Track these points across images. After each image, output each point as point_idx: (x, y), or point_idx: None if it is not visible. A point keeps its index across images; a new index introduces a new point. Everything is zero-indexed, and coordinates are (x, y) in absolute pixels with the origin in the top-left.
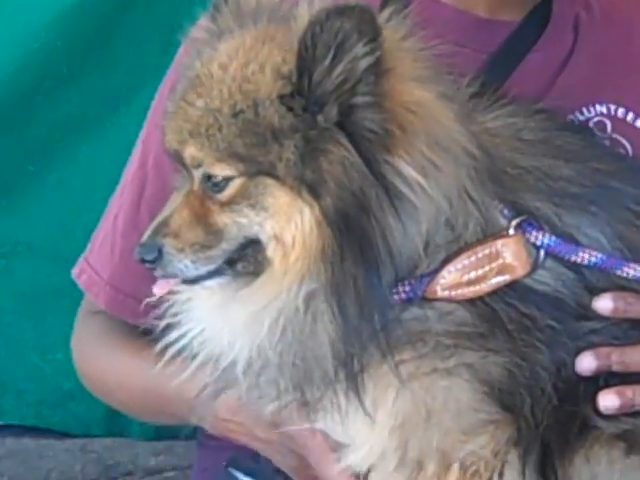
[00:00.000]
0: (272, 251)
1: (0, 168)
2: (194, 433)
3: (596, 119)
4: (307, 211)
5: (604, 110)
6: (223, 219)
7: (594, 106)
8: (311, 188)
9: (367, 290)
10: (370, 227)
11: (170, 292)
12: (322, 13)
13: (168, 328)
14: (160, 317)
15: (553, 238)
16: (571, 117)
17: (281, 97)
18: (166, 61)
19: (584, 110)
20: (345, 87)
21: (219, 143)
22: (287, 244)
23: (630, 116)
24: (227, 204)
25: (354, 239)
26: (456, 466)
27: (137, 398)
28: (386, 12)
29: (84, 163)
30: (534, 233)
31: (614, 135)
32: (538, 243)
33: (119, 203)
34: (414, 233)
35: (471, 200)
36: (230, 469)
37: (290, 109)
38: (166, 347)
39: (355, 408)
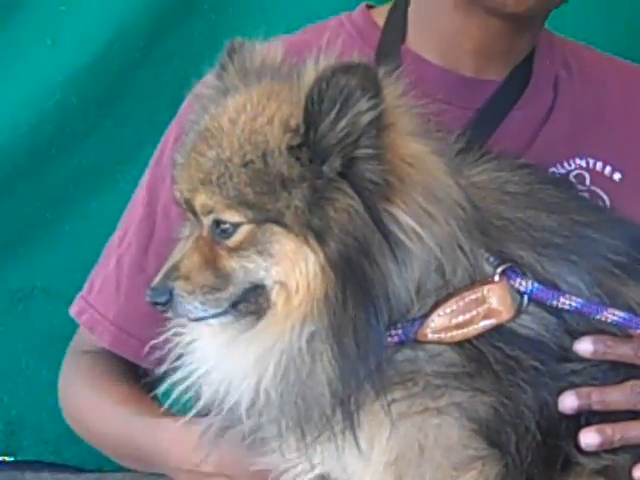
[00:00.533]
0: (276, 295)
1: (18, 217)
2: None
3: (576, 172)
4: (312, 257)
5: (583, 164)
6: (231, 264)
7: (574, 160)
8: (317, 234)
9: (366, 332)
10: (371, 272)
11: (174, 334)
12: (328, 70)
13: (172, 369)
14: (164, 358)
15: (536, 284)
16: (552, 170)
17: (290, 148)
18: (172, 117)
19: (564, 163)
20: (349, 140)
21: (229, 191)
22: (291, 289)
23: (607, 169)
24: (235, 250)
25: (356, 283)
26: None
27: (112, 443)
28: (382, 71)
29: (96, 213)
30: (518, 280)
31: (592, 187)
32: (522, 289)
33: (122, 248)
34: (409, 278)
35: (460, 248)
36: None
37: (298, 159)
38: (172, 386)
39: (351, 445)
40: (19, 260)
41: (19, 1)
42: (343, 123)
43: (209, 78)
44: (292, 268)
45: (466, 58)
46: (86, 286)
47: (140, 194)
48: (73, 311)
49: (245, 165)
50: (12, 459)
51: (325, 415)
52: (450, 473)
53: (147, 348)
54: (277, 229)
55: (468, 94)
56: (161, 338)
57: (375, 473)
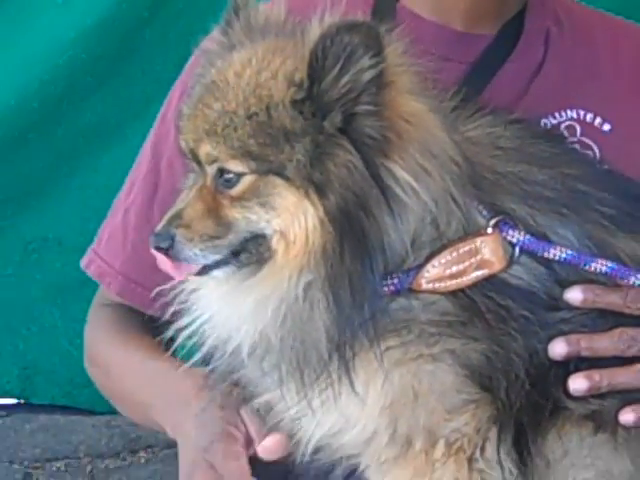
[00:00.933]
0: (275, 245)
1: (31, 171)
2: None
3: (567, 123)
4: (311, 210)
5: (574, 115)
6: (233, 213)
7: (565, 111)
8: (318, 188)
9: (361, 283)
10: (368, 225)
11: (181, 281)
12: (333, 27)
13: (177, 315)
14: (169, 305)
15: (527, 236)
16: (544, 121)
17: (293, 102)
18: (179, 73)
19: (556, 115)
20: (350, 96)
21: (234, 142)
22: (290, 240)
23: (598, 120)
24: (237, 199)
25: (353, 236)
26: (442, 442)
27: (128, 390)
28: (383, 29)
29: (106, 166)
30: (510, 232)
31: (583, 138)
32: (514, 241)
33: (129, 201)
34: (404, 231)
35: (454, 202)
36: None
37: (301, 113)
38: (177, 332)
39: (348, 390)
40: (32, 212)
41: None
42: (345, 79)
43: (215, 34)
44: (292, 220)
45: (459, 14)
46: (96, 239)
47: (146, 149)
48: (83, 263)
49: (249, 117)
50: (27, 402)
51: (323, 360)
52: (444, 416)
53: (152, 295)
54: (279, 181)
55: (462, 48)
56: (167, 286)
57: (371, 417)
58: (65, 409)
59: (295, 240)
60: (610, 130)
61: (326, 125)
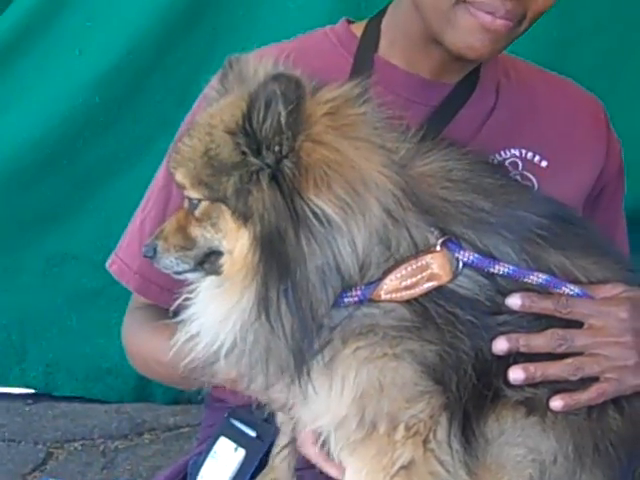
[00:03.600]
0: (224, 260)
1: (52, 198)
2: (204, 398)
3: (511, 159)
4: (245, 235)
5: (517, 153)
6: (196, 232)
7: (510, 150)
8: (244, 218)
9: (284, 301)
10: (288, 252)
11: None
12: (266, 77)
13: (182, 309)
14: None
15: (476, 255)
16: (492, 157)
17: (232, 138)
18: (181, 114)
19: (502, 152)
20: (272, 138)
21: (192, 172)
22: (234, 257)
23: (536, 158)
24: (199, 220)
25: (275, 261)
26: (402, 426)
27: (163, 369)
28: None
29: (117, 193)
30: (462, 252)
31: (524, 172)
32: (465, 260)
33: (145, 212)
34: (329, 256)
35: (397, 227)
36: (230, 419)
37: (237, 150)
38: (180, 323)
39: (322, 385)
40: (53, 233)
41: (54, 18)
42: (268, 122)
43: (214, 82)
44: (235, 241)
45: (427, 66)
46: (118, 244)
47: (161, 170)
48: (107, 264)
49: (205, 152)
50: (50, 393)
51: (289, 365)
52: (404, 405)
53: (165, 291)
54: (224, 208)
55: (427, 93)
56: (176, 284)
57: (344, 406)
58: (82, 399)
59: (236, 258)
60: (547, 166)
61: (254, 161)
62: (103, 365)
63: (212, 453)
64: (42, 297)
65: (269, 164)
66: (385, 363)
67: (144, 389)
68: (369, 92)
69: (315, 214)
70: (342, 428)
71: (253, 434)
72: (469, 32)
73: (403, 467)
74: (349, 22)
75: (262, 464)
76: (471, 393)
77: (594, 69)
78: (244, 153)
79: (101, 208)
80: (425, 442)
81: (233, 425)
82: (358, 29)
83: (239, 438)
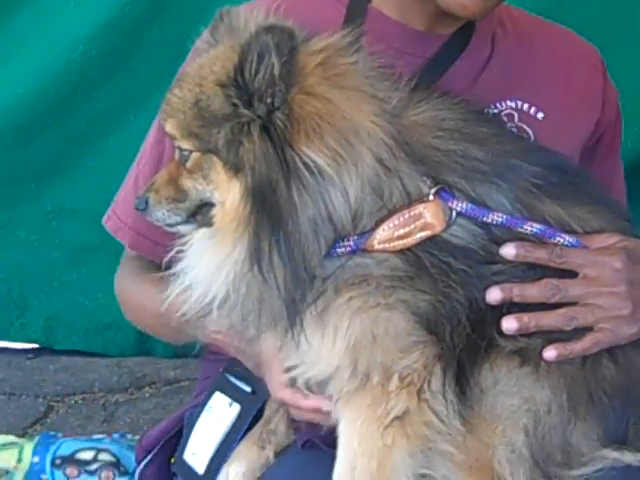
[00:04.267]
0: (216, 212)
1: (50, 153)
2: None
3: (507, 111)
4: (237, 186)
5: (513, 105)
6: (187, 183)
7: (505, 101)
8: (236, 169)
9: (276, 251)
10: (279, 203)
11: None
12: (258, 28)
13: (175, 262)
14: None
15: (469, 204)
16: (488, 109)
17: (223, 89)
18: (178, 67)
19: (497, 104)
20: (265, 89)
21: (182, 123)
22: (226, 209)
23: (533, 110)
24: (190, 172)
25: (267, 212)
26: (396, 376)
27: (155, 319)
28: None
29: (113, 147)
30: (455, 202)
31: (520, 124)
32: (458, 209)
33: (139, 168)
34: (320, 206)
35: (390, 176)
36: (226, 374)
37: (228, 101)
38: (174, 275)
39: (314, 335)
40: (51, 187)
41: None
42: (260, 74)
43: (205, 34)
44: (226, 193)
45: (421, 17)
46: (114, 199)
47: (154, 125)
48: (104, 220)
49: (195, 103)
50: (50, 347)
51: (282, 315)
52: (397, 355)
53: (157, 246)
54: (215, 159)
55: (421, 45)
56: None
57: (336, 355)
58: (82, 353)
59: (228, 209)
60: (543, 118)
61: (246, 113)
62: (103, 319)
63: (207, 407)
64: (41, 252)
65: (260, 115)
66: (378, 313)
67: (144, 343)
68: (360, 41)
69: (306, 165)
70: (335, 378)
71: (248, 389)
72: None
73: (397, 417)
74: None
75: (256, 419)
76: (465, 343)
77: (594, 20)
78: (235, 105)
79: (99, 162)
80: (419, 392)
81: (228, 380)
82: None
83: (234, 393)
